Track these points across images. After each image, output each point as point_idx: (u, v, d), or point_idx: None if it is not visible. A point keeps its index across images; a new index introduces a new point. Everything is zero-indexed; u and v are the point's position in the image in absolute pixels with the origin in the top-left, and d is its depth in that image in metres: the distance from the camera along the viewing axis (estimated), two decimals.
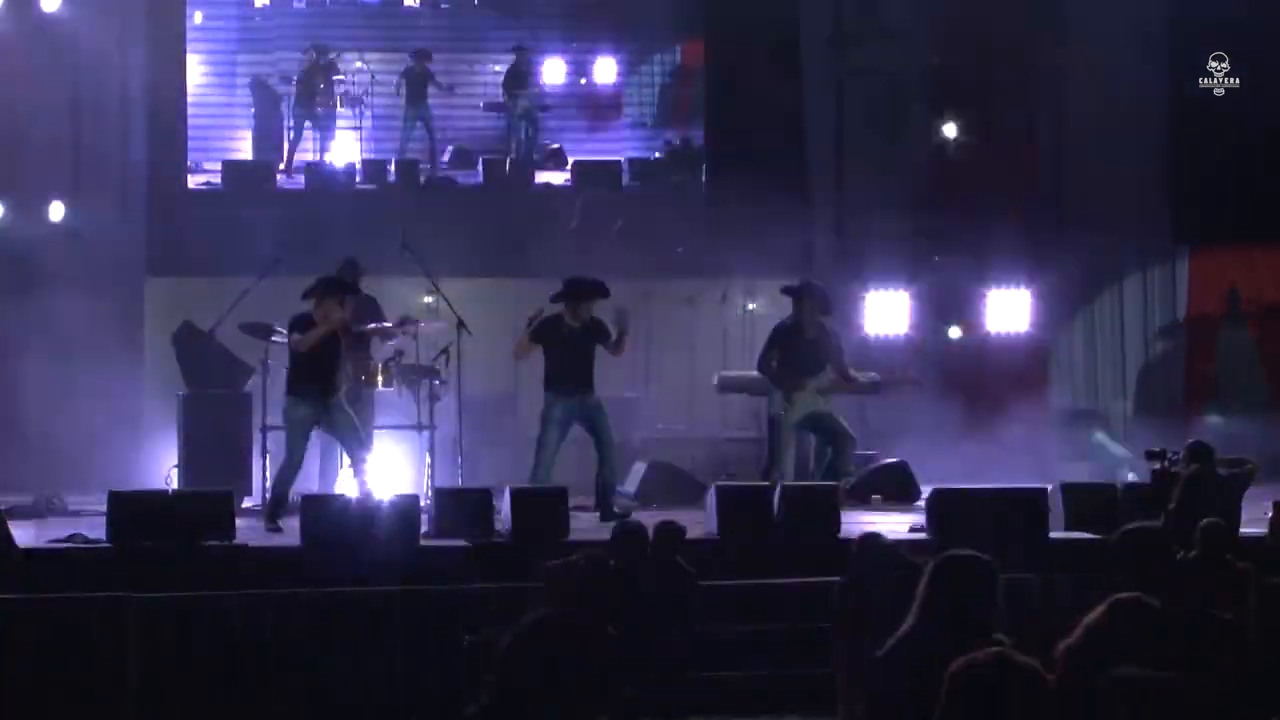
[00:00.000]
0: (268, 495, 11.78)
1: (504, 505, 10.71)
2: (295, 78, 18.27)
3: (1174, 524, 9.50)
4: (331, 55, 18.34)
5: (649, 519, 9.37)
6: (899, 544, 6.38)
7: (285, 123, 18.39)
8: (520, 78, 18.38)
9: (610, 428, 12.16)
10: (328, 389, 11.54)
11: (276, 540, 10.64)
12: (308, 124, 18.24)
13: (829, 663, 8.23)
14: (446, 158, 18.59)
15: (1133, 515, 10.62)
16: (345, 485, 12.27)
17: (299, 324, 11.59)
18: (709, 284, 15.82)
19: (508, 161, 18.27)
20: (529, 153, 18.55)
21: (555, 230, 16.14)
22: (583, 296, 12.08)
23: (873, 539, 8.70)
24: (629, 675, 7.35)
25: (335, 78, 18.44)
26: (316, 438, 13.23)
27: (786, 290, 13.08)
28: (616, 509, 11.86)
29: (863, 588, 8.50)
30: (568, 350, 12.01)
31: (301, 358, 11.50)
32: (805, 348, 12.69)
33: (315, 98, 18.23)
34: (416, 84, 18.25)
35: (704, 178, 17.67)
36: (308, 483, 13.04)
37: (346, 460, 12.16)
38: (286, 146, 18.26)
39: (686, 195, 17.15)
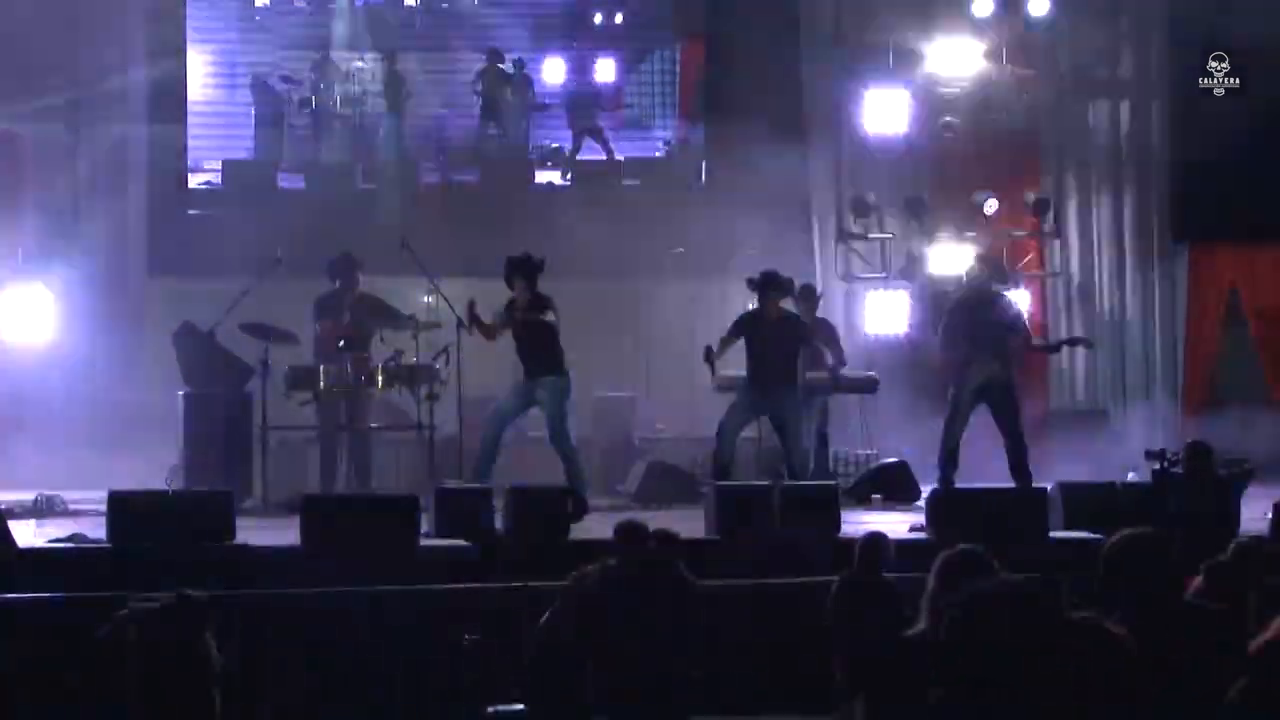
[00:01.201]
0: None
1: (504, 505, 10.71)
2: (295, 77, 18.29)
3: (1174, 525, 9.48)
4: (331, 54, 18.37)
5: (649, 519, 9.35)
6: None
7: (285, 122, 18.40)
8: (496, 80, 18.38)
9: (561, 411, 11.96)
10: None
11: (276, 540, 10.63)
12: (308, 123, 18.26)
13: (829, 663, 8.23)
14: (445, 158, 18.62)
15: (1133, 515, 10.69)
16: (346, 485, 12.29)
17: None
18: (709, 284, 15.82)
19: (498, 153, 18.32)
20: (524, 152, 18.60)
21: (555, 230, 16.14)
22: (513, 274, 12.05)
23: (875, 539, 8.72)
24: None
25: (333, 78, 18.46)
26: (316, 438, 13.28)
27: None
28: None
29: (863, 587, 8.52)
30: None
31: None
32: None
33: (316, 97, 18.24)
34: (393, 88, 18.21)
35: (704, 178, 17.69)
36: (308, 482, 13.07)
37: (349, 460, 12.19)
38: (286, 146, 18.29)
39: (687, 195, 17.16)
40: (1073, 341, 14.33)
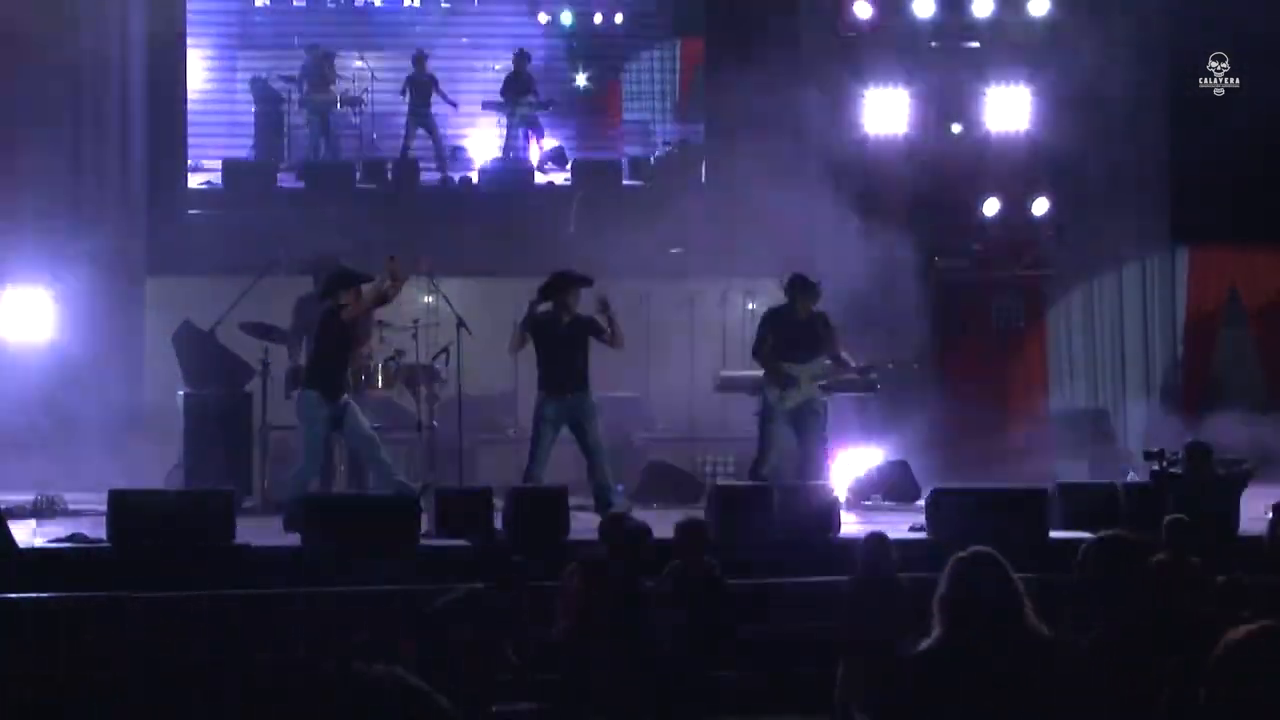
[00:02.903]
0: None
1: (504, 505, 10.71)
2: (296, 76, 18.28)
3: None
4: (330, 53, 18.35)
5: (648, 519, 9.36)
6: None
7: (285, 121, 18.40)
8: (521, 83, 18.37)
9: (598, 430, 11.97)
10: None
11: (276, 540, 10.64)
12: (308, 123, 18.25)
13: (829, 663, 8.23)
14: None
15: (1133, 515, 10.69)
16: (345, 485, 12.30)
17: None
18: (709, 284, 15.82)
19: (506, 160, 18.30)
20: (529, 156, 18.57)
21: (555, 230, 16.15)
22: (566, 287, 11.96)
23: (878, 539, 8.73)
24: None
25: (335, 77, 18.45)
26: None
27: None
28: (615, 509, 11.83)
29: (868, 588, 8.53)
30: (559, 348, 11.91)
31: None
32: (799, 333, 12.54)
33: (316, 96, 18.23)
34: (420, 91, 18.23)
35: (704, 177, 17.69)
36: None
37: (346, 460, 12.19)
38: (286, 145, 18.29)
39: (686, 195, 17.16)
40: (862, 371, 13.90)
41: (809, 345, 12.40)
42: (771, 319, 12.57)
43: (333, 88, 18.38)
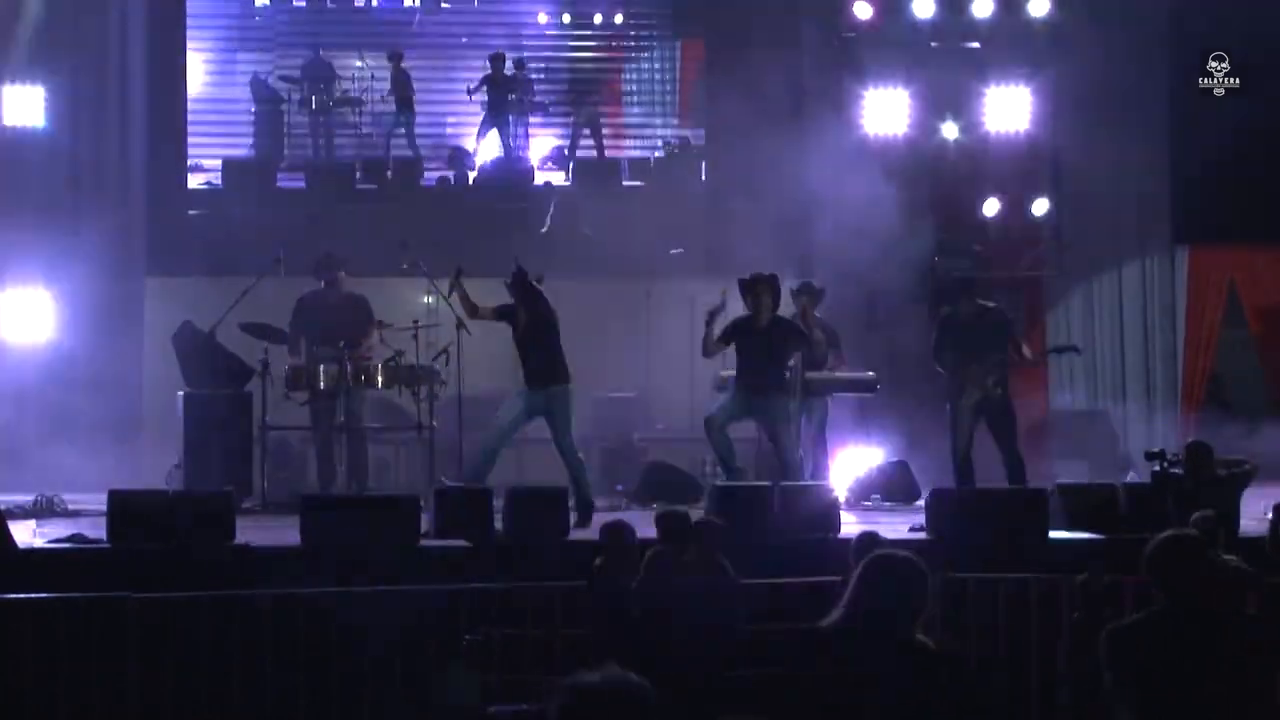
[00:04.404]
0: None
1: (504, 505, 10.71)
2: (295, 76, 18.30)
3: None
4: (331, 54, 18.39)
5: (648, 518, 9.35)
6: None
7: (284, 122, 18.41)
8: (500, 85, 18.36)
9: (567, 424, 11.89)
10: None
11: (276, 540, 10.63)
12: (308, 123, 18.28)
13: None
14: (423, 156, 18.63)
15: (1133, 515, 10.69)
16: (345, 485, 12.30)
17: None
18: (709, 284, 15.80)
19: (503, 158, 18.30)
20: (528, 156, 18.59)
21: (555, 230, 16.16)
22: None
23: (870, 539, 8.71)
24: None
25: (334, 77, 18.47)
26: (314, 438, 13.28)
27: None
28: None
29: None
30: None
31: None
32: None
33: (315, 97, 18.25)
34: (400, 88, 18.24)
35: (704, 177, 17.69)
36: (308, 482, 13.08)
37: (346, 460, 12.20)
38: (286, 146, 18.30)
39: (686, 195, 17.17)
40: (1060, 349, 14.41)
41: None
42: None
43: (333, 88, 18.41)
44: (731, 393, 12.46)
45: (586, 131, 18.60)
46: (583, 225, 16.45)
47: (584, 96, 18.72)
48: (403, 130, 18.36)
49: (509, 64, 18.46)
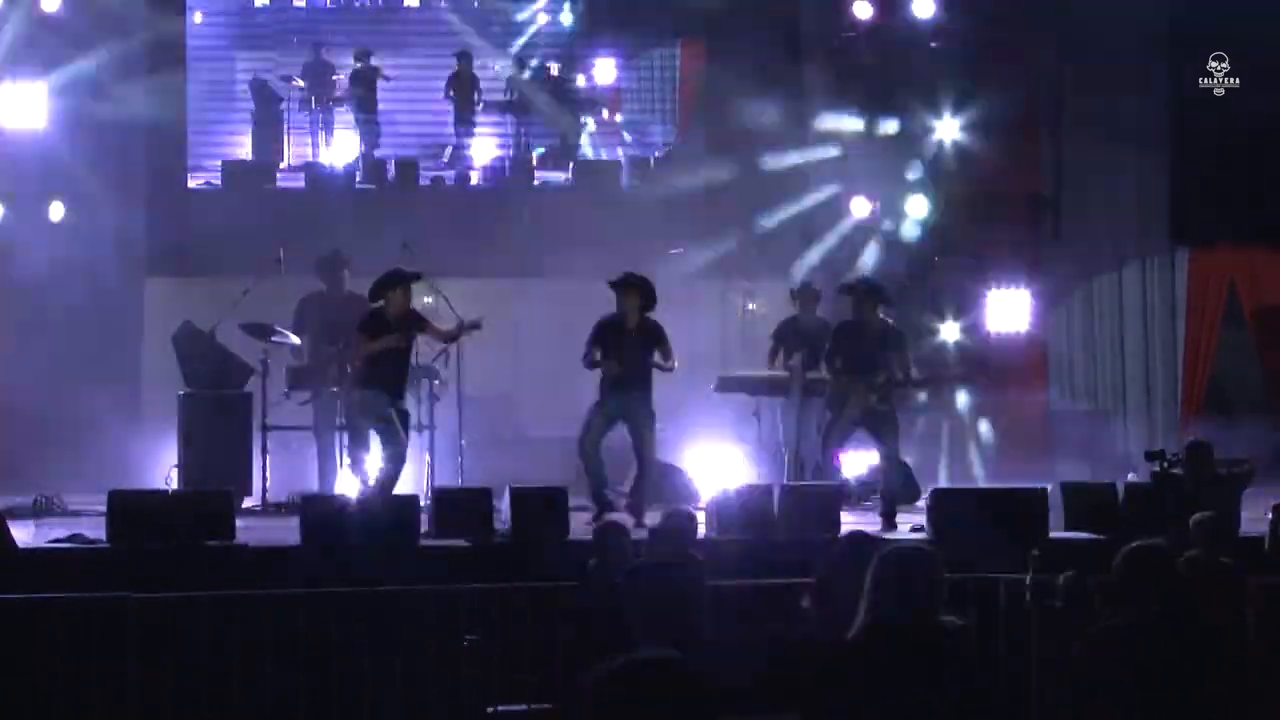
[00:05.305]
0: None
1: (504, 505, 10.71)
2: (295, 76, 18.31)
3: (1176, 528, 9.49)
4: (330, 54, 18.39)
5: (648, 519, 9.37)
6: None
7: (284, 122, 18.42)
8: (465, 82, 18.38)
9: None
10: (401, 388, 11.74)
11: (276, 540, 10.64)
12: (308, 123, 18.29)
13: None
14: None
15: (1133, 515, 10.69)
16: (345, 485, 12.28)
17: (369, 326, 11.69)
18: (709, 284, 15.81)
19: (506, 164, 18.31)
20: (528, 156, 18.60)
21: (555, 230, 16.15)
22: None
23: (861, 538, 8.70)
24: None
25: (334, 76, 18.47)
26: (314, 438, 13.28)
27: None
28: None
29: (835, 587, 8.49)
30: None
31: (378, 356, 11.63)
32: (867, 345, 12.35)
33: (315, 97, 18.26)
34: (364, 85, 18.25)
35: (703, 178, 17.67)
36: (308, 482, 13.06)
37: (346, 460, 12.19)
38: (286, 145, 18.31)
39: (685, 195, 17.15)
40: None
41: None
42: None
43: (333, 88, 18.42)
44: (595, 403, 12.12)
45: (586, 132, 18.60)
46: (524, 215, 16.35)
47: (584, 98, 18.70)
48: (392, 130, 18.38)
49: (509, 65, 18.49)
